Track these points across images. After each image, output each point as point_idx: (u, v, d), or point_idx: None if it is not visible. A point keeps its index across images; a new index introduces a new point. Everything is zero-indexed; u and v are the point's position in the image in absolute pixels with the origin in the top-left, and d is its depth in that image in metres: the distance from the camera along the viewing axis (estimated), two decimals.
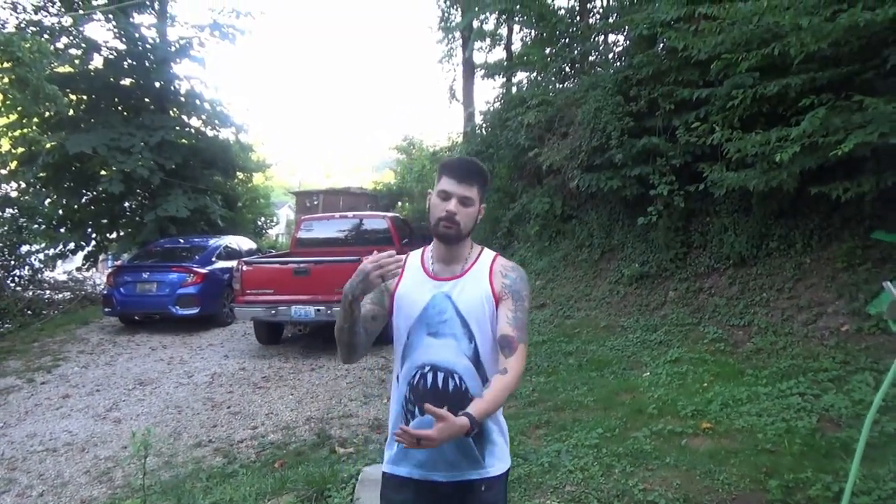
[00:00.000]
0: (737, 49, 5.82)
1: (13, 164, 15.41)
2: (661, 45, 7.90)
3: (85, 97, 16.05)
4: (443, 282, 1.91)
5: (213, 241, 12.23)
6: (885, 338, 5.07)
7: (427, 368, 1.86)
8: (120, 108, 16.60)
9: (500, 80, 15.88)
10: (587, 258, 9.48)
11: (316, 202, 25.12)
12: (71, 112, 14.72)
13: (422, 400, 1.79)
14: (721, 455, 3.96)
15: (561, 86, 11.88)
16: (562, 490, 3.67)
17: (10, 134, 15.35)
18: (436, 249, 1.96)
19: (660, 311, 7.46)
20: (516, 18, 14.66)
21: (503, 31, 17.04)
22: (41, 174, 15.41)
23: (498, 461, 1.92)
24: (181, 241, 12.84)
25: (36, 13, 15.19)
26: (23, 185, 15.61)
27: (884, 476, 3.35)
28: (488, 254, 1.99)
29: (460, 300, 1.88)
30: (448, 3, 18.61)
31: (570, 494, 3.61)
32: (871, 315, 5.17)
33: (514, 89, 14.43)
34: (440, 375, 1.85)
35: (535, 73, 13.58)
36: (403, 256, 1.98)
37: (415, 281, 1.94)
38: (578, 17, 12.63)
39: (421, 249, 2.03)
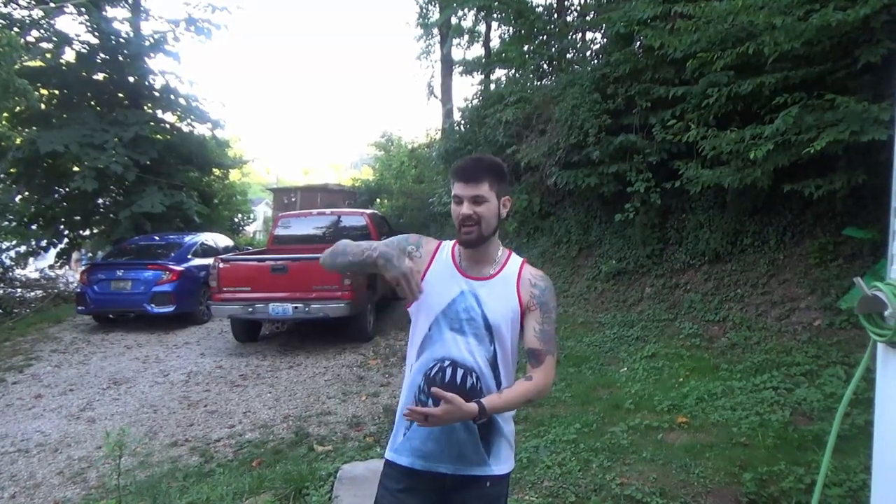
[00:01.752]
0: (712, 48, 5.89)
1: None
2: (638, 43, 7.97)
3: (57, 92, 15.77)
4: (472, 280, 1.89)
5: (188, 238, 12.09)
6: (856, 332, 5.17)
7: (447, 363, 1.84)
8: (93, 103, 16.32)
9: (478, 76, 15.87)
10: (565, 255, 9.54)
11: (294, 199, 24.98)
12: (42, 107, 14.46)
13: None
14: (696, 449, 4.01)
15: (539, 83, 11.90)
16: (540, 485, 3.69)
17: None
18: (463, 250, 1.93)
19: (637, 307, 7.53)
20: (494, 15, 14.62)
21: (481, 27, 17.05)
22: (11, 170, 15.13)
23: (503, 462, 1.93)
24: (156, 237, 12.69)
25: (5, 6, 14.87)
26: None
27: (854, 468, 3.41)
28: (516, 259, 1.98)
29: (487, 304, 1.87)
30: None
31: (547, 489, 3.63)
32: (843, 310, 5.28)
33: (492, 86, 14.45)
34: (460, 371, 1.83)
35: (513, 70, 13.60)
36: (436, 243, 1.99)
37: (444, 271, 1.91)
38: (556, 15, 12.66)
39: (453, 241, 1.99)
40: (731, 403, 4.66)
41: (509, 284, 1.91)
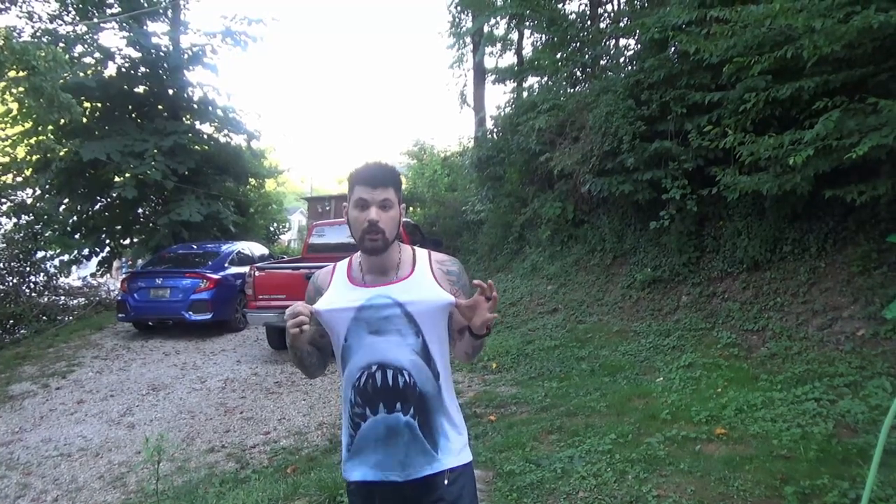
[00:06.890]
0: (749, 52, 5.79)
1: (28, 171, 15.60)
2: (673, 48, 7.87)
3: (99, 105, 16.22)
4: (380, 287, 1.85)
5: (225, 247, 12.30)
6: None
7: (375, 367, 1.80)
8: (133, 115, 16.75)
9: (510, 84, 15.90)
10: (599, 263, 9.45)
11: (328, 207, 25.26)
12: (85, 120, 14.89)
13: (370, 401, 1.79)
14: (736, 461, 3.93)
15: (572, 90, 11.85)
16: (574, 496, 3.64)
17: (25, 141, 15.53)
18: (365, 261, 1.90)
19: (673, 315, 7.42)
20: (527, 23, 14.64)
21: (514, 35, 17.05)
22: (55, 181, 15.58)
23: (455, 455, 1.87)
24: (194, 246, 12.92)
25: (51, 22, 15.37)
26: (38, 191, 15.81)
27: None
28: (421, 253, 1.96)
29: (410, 302, 1.82)
30: (458, 8, 18.64)
31: (583, 500, 3.58)
32: (888, 319, 5.12)
33: (525, 94, 14.44)
34: (389, 373, 1.79)
35: (546, 78, 13.57)
36: (330, 270, 1.98)
37: (340, 293, 1.89)
38: (589, 22, 12.61)
39: (348, 259, 1.96)
40: (771, 415, 4.55)
41: (430, 282, 1.88)
